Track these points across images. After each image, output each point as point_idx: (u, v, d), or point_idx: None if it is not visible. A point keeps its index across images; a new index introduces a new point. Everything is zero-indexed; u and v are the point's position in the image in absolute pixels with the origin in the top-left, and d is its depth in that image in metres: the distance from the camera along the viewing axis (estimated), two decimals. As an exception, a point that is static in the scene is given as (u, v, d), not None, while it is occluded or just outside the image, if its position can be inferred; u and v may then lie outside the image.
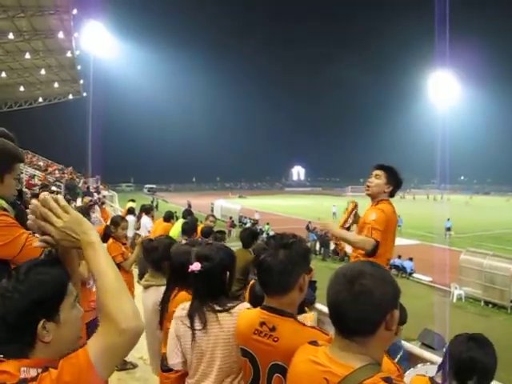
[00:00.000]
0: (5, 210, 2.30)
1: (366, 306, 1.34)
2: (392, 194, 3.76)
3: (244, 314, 2.13)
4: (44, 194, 1.35)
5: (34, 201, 1.34)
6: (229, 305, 2.26)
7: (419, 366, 2.96)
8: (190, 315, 2.28)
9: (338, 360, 1.39)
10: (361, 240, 3.53)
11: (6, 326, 1.23)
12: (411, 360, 3.41)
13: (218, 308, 2.24)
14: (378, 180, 3.73)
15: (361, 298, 1.34)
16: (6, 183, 2.32)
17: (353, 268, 1.43)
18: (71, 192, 21.74)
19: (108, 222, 6.47)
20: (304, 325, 1.87)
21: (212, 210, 37.95)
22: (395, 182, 3.74)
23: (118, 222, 5.75)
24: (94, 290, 3.26)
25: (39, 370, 1.18)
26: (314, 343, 1.60)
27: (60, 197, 1.37)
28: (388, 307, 1.37)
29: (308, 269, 1.94)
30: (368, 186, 3.77)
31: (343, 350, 1.40)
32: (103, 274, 1.28)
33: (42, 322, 1.25)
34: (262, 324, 1.91)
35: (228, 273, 2.36)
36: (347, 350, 1.39)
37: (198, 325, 2.25)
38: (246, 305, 2.31)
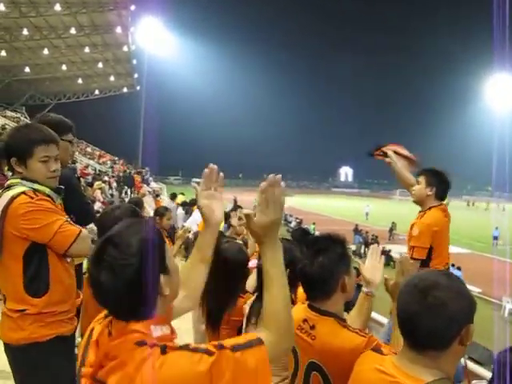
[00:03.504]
0: (49, 196, 2.36)
1: (440, 319, 1.28)
2: (440, 196, 3.61)
3: (294, 308, 2.12)
4: (277, 178, 1.37)
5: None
6: None
7: (474, 382, 2.81)
8: (249, 311, 2.37)
9: (408, 372, 1.33)
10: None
11: (132, 293, 1.18)
12: (466, 377, 3.24)
13: None
14: (418, 185, 3.63)
15: (434, 310, 1.28)
16: (31, 168, 2.35)
17: (426, 278, 1.36)
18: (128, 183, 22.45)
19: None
20: (345, 326, 1.84)
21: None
22: (437, 182, 3.59)
23: (162, 212, 5.83)
24: None
25: (164, 329, 1.23)
26: (378, 351, 1.57)
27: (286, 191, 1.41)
28: (463, 322, 1.31)
29: (348, 269, 1.91)
30: (413, 195, 3.70)
31: (413, 362, 1.34)
32: (282, 284, 1.36)
33: (162, 277, 1.24)
34: (305, 321, 1.92)
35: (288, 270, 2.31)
36: (417, 362, 1.33)
37: (253, 320, 2.33)
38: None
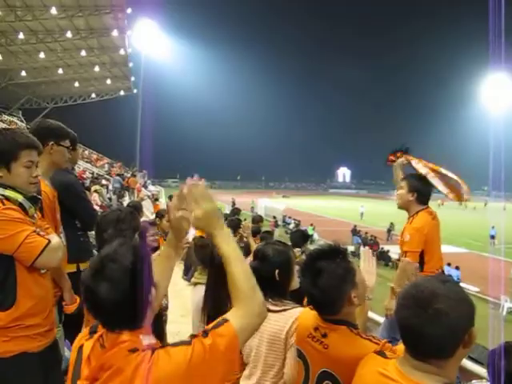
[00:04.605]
0: (20, 204, 2.26)
1: (443, 330, 1.27)
2: (422, 201, 3.68)
3: (303, 315, 2.10)
4: (196, 180, 1.54)
5: (188, 181, 1.54)
6: (283, 307, 2.23)
7: (474, 382, 2.82)
8: None
9: (411, 377, 1.33)
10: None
11: (130, 305, 1.31)
12: (463, 376, 3.27)
13: (271, 308, 2.18)
14: (401, 190, 3.73)
15: (436, 322, 1.26)
16: (14, 172, 2.27)
17: (424, 289, 1.33)
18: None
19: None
20: (358, 334, 1.81)
21: (252, 209, 38.04)
22: (419, 187, 3.67)
23: (162, 214, 5.91)
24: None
25: (151, 338, 1.36)
26: (381, 354, 1.55)
27: (207, 185, 1.56)
28: (466, 328, 1.30)
29: (353, 283, 1.86)
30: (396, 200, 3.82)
31: (416, 368, 1.34)
32: (238, 260, 1.47)
33: (153, 290, 1.39)
34: (316, 329, 1.90)
35: (278, 271, 2.28)
36: (421, 369, 1.33)
37: None
38: (300, 309, 2.22)
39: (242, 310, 1.40)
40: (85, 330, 1.47)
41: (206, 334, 1.31)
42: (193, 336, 1.31)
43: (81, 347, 1.41)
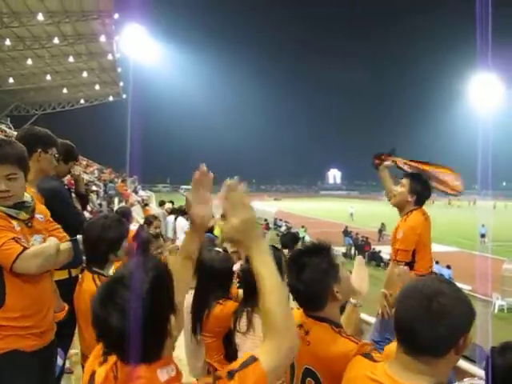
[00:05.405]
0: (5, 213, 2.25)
1: (443, 326, 1.27)
2: (419, 203, 3.66)
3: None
4: (234, 182, 1.34)
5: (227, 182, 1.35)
6: None
7: (466, 380, 2.82)
8: (235, 316, 2.30)
9: (400, 379, 1.33)
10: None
11: (144, 336, 1.15)
12: (457, 374, 3.27)
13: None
14: (401, 189, 3.67)
15: (437, 317, 1.27)
16: None
17: (430, 285, 1.34)
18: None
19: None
20: (339, 332, 1.82)
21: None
22: (420, 190, 3.63)
23: (150, 220, 5.89)
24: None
25: (169, 370, 1.21)
26: (369, 357, 1.55)
27: (246, 190, 1.35)
28: (464, 330, 1.31)
29: (336, 278, 1.89)
30: (393, 197, 3.73)
31: (407, 368, 1.33)
32: (276, 287, 1.29)
33: (172, 318, 1.23)
34: (300, 326, 1.89)
35: None
36: (412, 369, 1.32)
37: (242, 327, 2.30)
38: None
39: (275, 344, 1.24)
40: (97, 348, 1.34)
41: (231, 375, 1.15)
42: (217, 378, 1.16)
43: (93, 373, 1.28)
